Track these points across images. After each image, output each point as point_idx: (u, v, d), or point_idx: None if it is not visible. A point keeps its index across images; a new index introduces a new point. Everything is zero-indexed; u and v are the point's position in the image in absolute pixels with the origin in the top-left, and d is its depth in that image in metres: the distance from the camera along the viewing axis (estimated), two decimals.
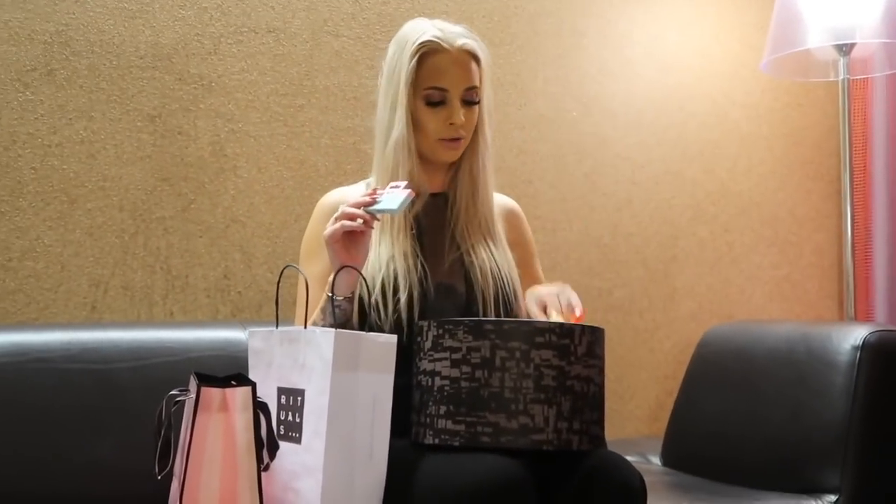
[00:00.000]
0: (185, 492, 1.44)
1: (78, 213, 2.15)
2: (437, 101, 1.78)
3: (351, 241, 1.64)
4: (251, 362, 1.70)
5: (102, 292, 2.16)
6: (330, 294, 1.68)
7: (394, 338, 1.55)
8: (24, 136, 2.10)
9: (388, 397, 1.54)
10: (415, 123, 1.80)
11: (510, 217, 1.96)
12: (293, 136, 2.38)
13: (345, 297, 1.69)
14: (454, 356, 1.53)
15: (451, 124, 1.79)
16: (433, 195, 1.88)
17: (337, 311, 1.68)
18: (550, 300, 1.68)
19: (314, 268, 1.81)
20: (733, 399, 2.33)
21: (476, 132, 1.85)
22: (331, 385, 1.50)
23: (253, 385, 1.50)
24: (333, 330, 1.52)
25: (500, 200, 1.96)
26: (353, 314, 1.74)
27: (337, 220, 1.63)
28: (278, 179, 2.36)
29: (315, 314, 1.72)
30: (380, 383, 1.54)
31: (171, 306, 2.23)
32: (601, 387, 1.57)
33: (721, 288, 2.95)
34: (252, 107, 2.34)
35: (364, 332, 1.55)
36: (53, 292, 2.11)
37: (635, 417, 2.81)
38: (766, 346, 2.32)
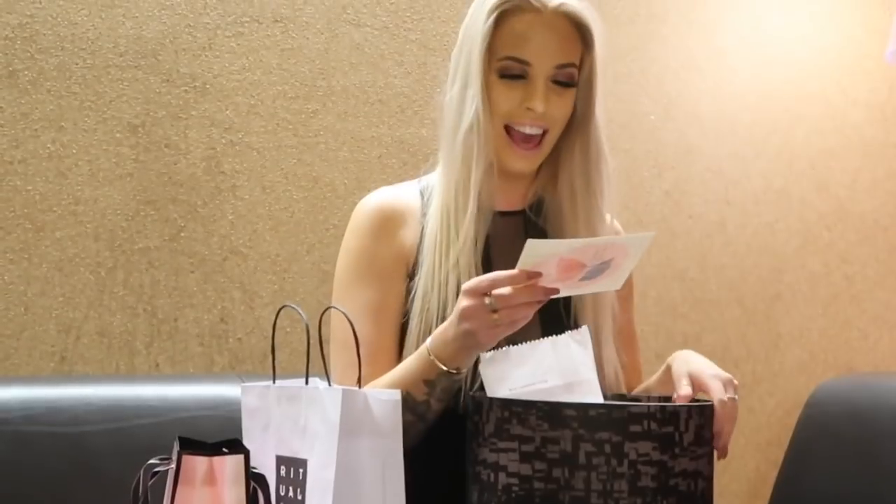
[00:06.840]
0: None
1: (45, 243, 2.18)
2: (515, 75, 1.64)
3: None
4: (245, 424, 1.70)
5: (73, 339, 2.19)
6: (449, 369, 1.59)
7: (397, 393, 1.52)
8: None
9: (397, 464, 1.52)
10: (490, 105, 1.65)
11: None
12: (305, 149, 2.39)
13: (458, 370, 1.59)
14: (525, 448, 1.46)
15: (527, 109, 1.64)
16: (502, 214, 1.73)
17: (455, 385, 1.62)
18: (714, 385, 1.54)
19: (363, 296, 1.69)
20: (851, 473, 2.30)
21: (584, 124, 1.70)
22: (337, 455, 1.51)
23: (246, 453, 1.52)
24: (340, 387, 1.53)
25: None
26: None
27: (492, 307, 1.48)
28: (287, 202, 2.37)
29: (404, 376, 1.64)
30: (387, 448, 1.53)
31: (155, 356, 2.25)
32: (710, 479, 1.51)
33: (837, 333, 2.91)
34: (255, 113, 2.36)
35: (365, 389, 1.54)
36: (15, 339, 2.14)
37: (730, 493, 2.77)
38: (894, 406, 2.29)
